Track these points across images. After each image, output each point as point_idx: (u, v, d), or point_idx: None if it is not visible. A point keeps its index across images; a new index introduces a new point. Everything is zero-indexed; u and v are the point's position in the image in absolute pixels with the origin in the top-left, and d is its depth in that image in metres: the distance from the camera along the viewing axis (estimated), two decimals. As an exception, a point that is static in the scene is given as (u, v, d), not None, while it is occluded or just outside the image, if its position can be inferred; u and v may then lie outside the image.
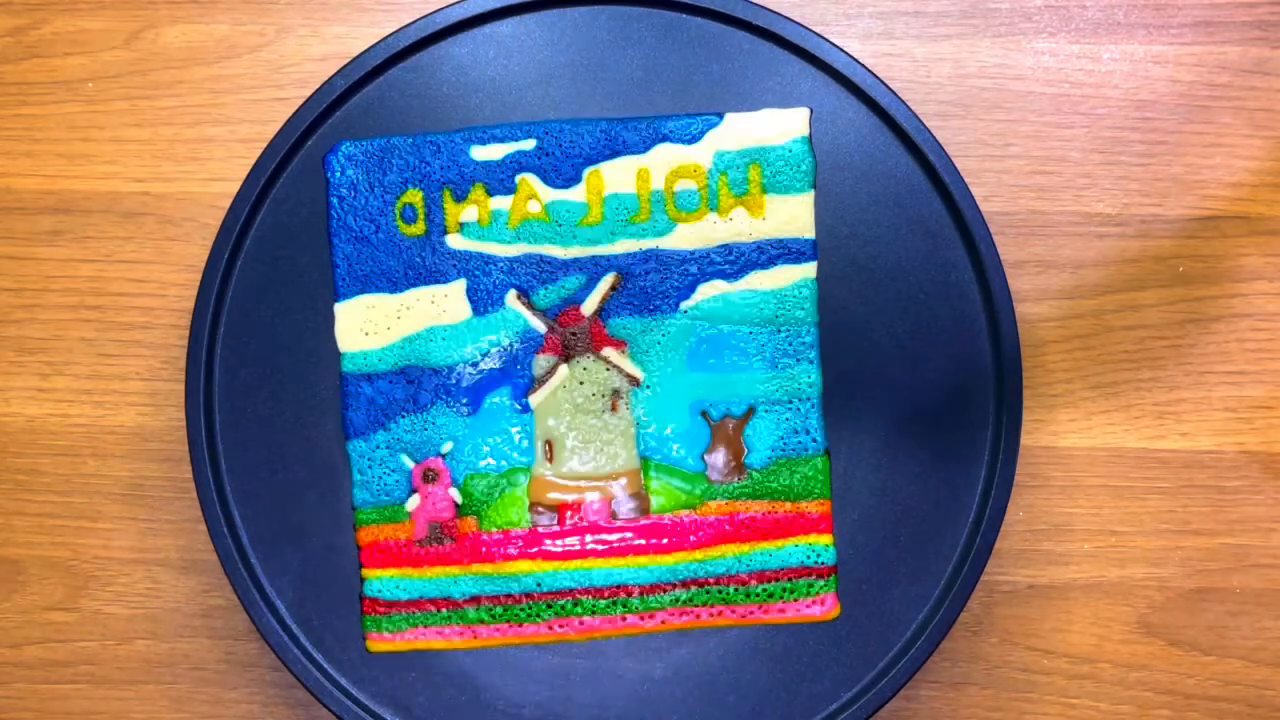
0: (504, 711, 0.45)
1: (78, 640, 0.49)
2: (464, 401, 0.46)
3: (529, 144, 0.45)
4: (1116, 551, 0.48)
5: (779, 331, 0.45)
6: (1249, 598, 0.48)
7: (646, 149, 0.45)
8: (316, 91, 0.45)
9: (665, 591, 0.45)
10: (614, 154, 0.45)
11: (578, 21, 0.45)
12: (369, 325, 0.46)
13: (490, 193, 0.45)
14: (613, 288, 0.46)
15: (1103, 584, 0.48)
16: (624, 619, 0.45)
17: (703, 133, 0.45)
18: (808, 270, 0.45)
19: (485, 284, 0.46)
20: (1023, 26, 0.48)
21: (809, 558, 0.45)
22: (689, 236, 0.45)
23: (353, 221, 0.46)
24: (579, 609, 0.45)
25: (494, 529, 0.45)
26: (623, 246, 0.45)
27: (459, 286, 0.46)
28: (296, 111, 0.45)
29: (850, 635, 0.45)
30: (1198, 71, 0.48)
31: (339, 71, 0.45)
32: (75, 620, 0.49)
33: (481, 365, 0.46)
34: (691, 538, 0.45)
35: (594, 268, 0.46)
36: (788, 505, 0.45)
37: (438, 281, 0.46)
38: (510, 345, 0.46)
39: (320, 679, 0.44)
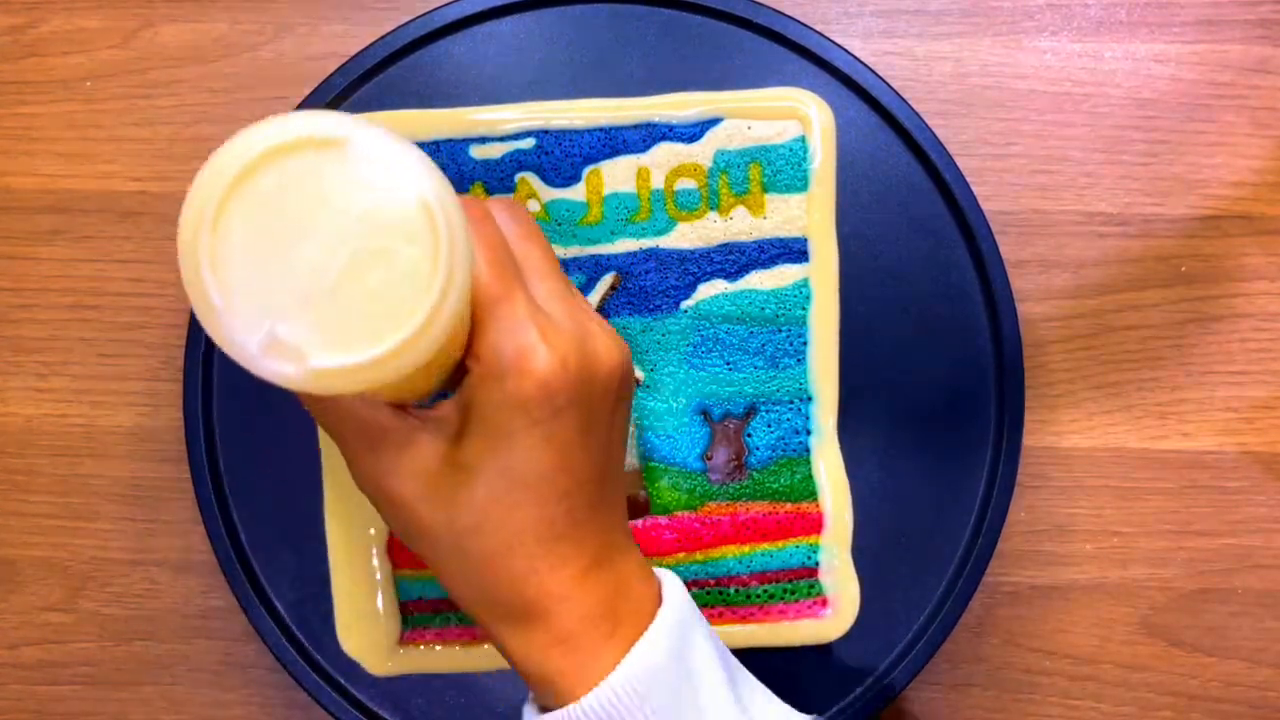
0: (503, 712, 0.45)
1: (75, 641, 0.48)
2: (463, 401, 0.45)
3: (528, 143, 0.45)
4: (1118, 552, 0.47)
5: (779, 331, 0.45)
6: (1251, 599, 0.47)
7: (646, 148, 0.45)
8: (315, 90, 0.45)
9: (665, 592, 0.45)
10: (614, 153, 0.45)
11: (577, 19, 0.45)
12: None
13: (490, 191, 0.45)
14: (613, 287, 0.45)
15: (1105, 585, 0.48)
16: (624, 620, 0.45)
17: (703, 131, 0.45)
18: (808, 270, 0.45)
19: (485, 283, 0.45)
20: (1024, 25, 0.48)
21: (809, 558, 0.45)
22: (689, 236, 0.45)
23: (352, 221, 0.45)
24: (579, 610, 0.45)
25: (493, 529, 0.45)
26: (623, 246, 0.45)
27: (458, 286, 0.45)
28: (295, 110, 0.45)
29: (851, 636, 0.45)
30: (1200, 70, 0.48)
31: (338, 70, 0.45)
32: (73, 621, 0.48)
33: (481, 365, 0.45)
34: (692, 538, 0.45)
35: (594, 267, 0.45)
36: (788, 505, 0.45)
37: (437, 281, 0.45)
38: (510, 345, 0.45)
39: (318, 680, 0.44)
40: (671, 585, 0.33)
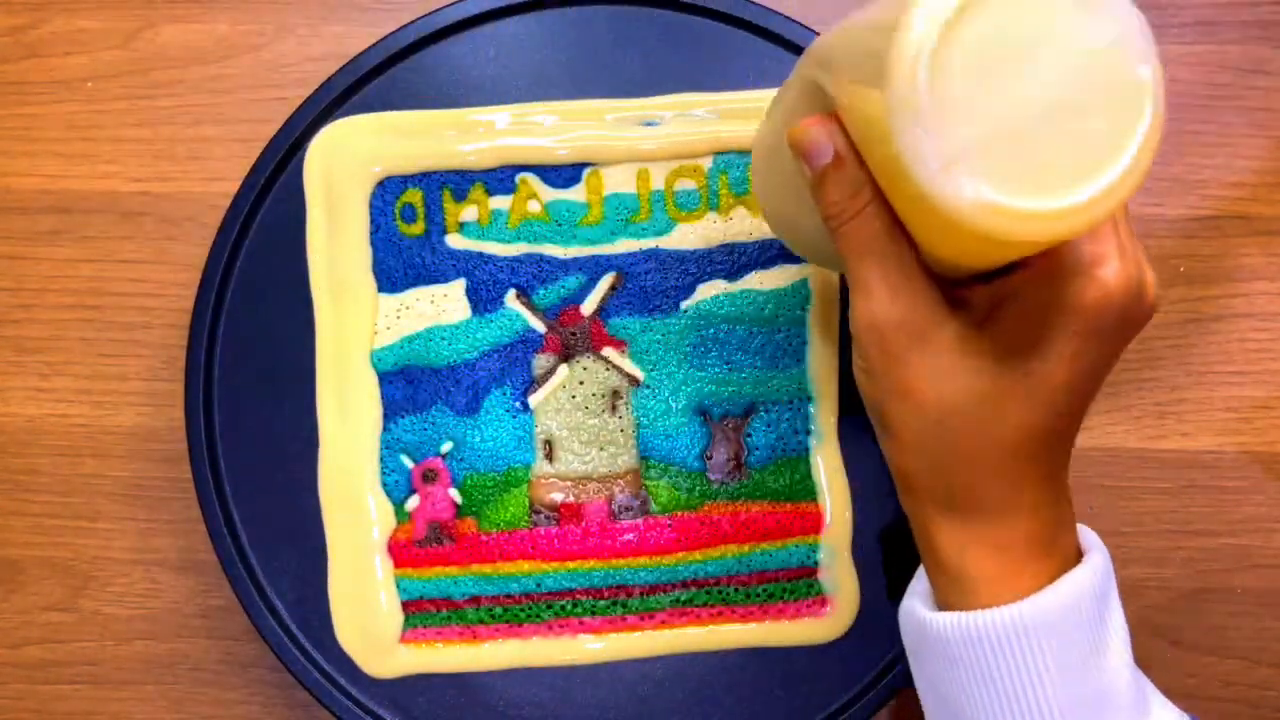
0: (503, 712, 0.45)
1: (77, 641, 0.48)
2: (464, 401, 0.45)
3: (529, 143, 0.45)
4: (1118, 552, 0.47)
5: (779, 331, 0.45)
6: (1250, 598, 0.47)
7: (646, 148, 0.45)
8: (316, 91, 0.45)
9: (665, 592, 0.45)
10: (614, 153, 0.45)
11: (577, 21, 0.45)
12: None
13: (490, 192, 0.45)
14: (613, 287, 0.46)
15: (1104, 584, 0.48)
16: (624, 619, 0.45)
17: (703, 132, 0.45)
18: (808, 270, 0.45)
19: (485, 283, 0.46)
20: (1023, 26, 0.48)
21: (809, 558, 0.45)
22: (689, 236, 0.45)
23: (352, 221, 0.46)
24: (579, 609, 0.45)
25: (493, 529, 0.45)
26: (623, 246, 0.45)
27: (459, 286, 0.46)
28: (296, 111, 0.45)
29: (851, 635, 0.45)
30: (1199, 71, 0.48)
31: (338, 71, 0.45)
32: (74, 621, 0.48)
33: (481, 365, 0.46)
34: (692, 538, 0.45)
35: (594, 267, 0.45)
36: (787, 505, 0.45)
37: (437, 281, 0.46)
38: (510, 345, 0.46)
39: (319, 679, 0.44)
40: (1097, 542, 0.33)
